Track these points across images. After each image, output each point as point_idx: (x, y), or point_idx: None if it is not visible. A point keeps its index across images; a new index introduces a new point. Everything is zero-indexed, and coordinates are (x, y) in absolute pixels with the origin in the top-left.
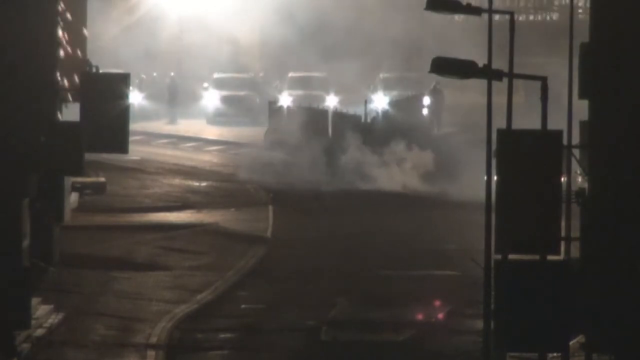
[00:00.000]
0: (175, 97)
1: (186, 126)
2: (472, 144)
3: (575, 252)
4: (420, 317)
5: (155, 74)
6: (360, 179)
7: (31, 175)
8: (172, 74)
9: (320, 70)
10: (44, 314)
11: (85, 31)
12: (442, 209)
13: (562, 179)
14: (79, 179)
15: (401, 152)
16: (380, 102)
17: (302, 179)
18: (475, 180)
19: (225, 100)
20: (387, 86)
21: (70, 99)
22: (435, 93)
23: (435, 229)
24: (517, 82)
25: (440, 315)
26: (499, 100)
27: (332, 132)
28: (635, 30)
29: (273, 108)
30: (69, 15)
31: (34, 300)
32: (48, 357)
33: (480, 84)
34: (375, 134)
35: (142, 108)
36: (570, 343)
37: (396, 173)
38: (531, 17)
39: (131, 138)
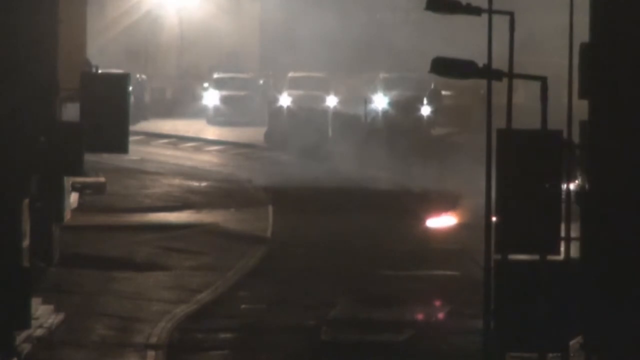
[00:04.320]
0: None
1: (185, 126)
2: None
3: (575, 252)
4: (420, 317)
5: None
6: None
7: (31, 175)
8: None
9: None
10: (44, 314)
11: (85, 31)
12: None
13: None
14: (79, 179)
15: None
16: (380, 102)
17: (302, 179)
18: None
19: (225, 100)
20: (386, 86)
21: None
22: (433, 94)
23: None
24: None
25: (440, 315)
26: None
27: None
28: (635, 30)
29: (273, 108)
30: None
31: (34, 300)
32: (48, 357)
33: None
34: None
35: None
36: (570, 343)
37: None
38: None
39: (131, 138)
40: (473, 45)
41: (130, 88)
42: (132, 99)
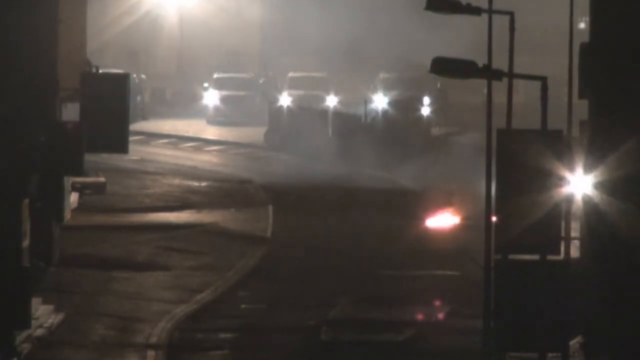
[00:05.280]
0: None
1: (185, 126)
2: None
3: (575, 252)
4: (420, 317)
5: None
6: None
7: (31, 175)
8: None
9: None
10: (44, 314)
11: (85, 31)
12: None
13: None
14: (79, 179)
15: None
16: (380, 102)
17: (302, 179)
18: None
19: (225, 100)
20: (386, 86)
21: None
22: (437, 93)
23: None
24: None
25: (440, 315)
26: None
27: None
28: (635, 30)
29: (273, 108)
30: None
31: (34, 300)
32: (48, 357)
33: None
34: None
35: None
36: (570, 343)
37: None
38: None
39: (131, 138)
40: (473, 45)
41: None
42: None
